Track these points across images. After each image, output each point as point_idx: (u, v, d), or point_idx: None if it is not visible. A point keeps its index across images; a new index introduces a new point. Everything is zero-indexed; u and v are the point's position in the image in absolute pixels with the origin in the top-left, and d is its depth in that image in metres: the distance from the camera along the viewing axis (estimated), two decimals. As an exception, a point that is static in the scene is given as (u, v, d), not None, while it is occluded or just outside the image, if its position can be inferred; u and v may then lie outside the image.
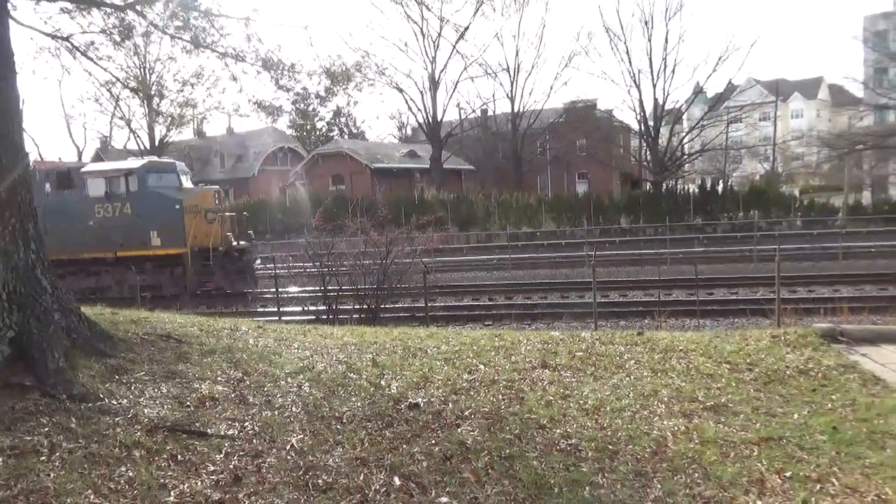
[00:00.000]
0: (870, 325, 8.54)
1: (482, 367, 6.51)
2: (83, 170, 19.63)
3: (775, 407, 5.32)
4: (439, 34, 37.73)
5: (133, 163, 20.17)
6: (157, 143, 40.56)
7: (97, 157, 44.95)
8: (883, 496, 3.83)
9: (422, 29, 39.52)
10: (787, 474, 4.11)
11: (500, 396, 5.58)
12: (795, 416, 5.11)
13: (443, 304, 17.75)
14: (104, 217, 18.77)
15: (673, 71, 40.06)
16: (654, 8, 39.22)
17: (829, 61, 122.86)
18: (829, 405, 5.34)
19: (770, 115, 54.55)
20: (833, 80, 59.26)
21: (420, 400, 5.39)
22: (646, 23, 39.06)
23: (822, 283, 17.75)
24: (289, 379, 5.82)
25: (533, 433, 4.79)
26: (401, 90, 43.62)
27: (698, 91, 42.89)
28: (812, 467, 4.20)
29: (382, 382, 5.88)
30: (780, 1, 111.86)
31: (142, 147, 41.79)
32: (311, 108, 39.04)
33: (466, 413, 5.15)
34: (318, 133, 51.24)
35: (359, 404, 5.27)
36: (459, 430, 4.82)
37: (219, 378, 5.66)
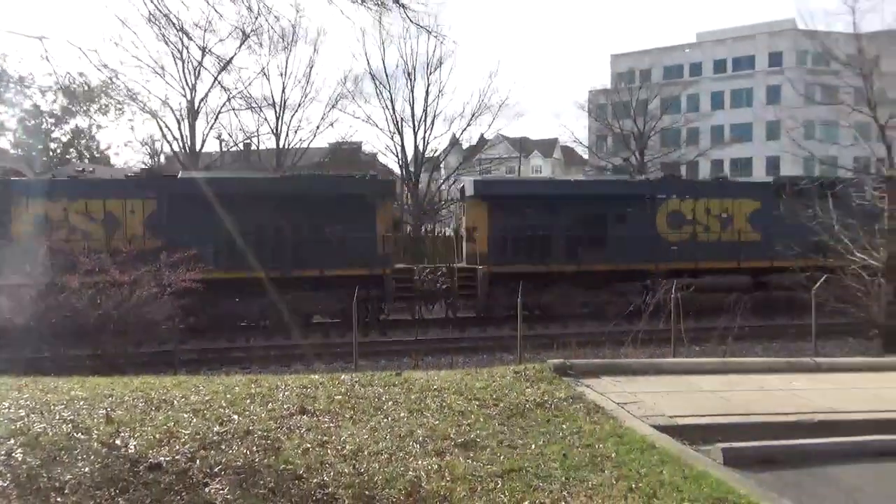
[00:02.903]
0: (593, 360, 9.76)
1: (236, 417, 6.13)
2: None
3: (517, 439, 5.78)
4: (200, 63, 35.85)
5: None
6: None
7: None
8: (602, 514, 4.33)
9: (181, 54, 37.24)
10: (526, 503, 4.46)
11: (255, 448, 5.30)
12: (533, 446, 5.60)
13: (195, 347, 16.53)
14: None
15: (432, 122, 42.65)
16: (416, 61, 41.41)
17: (564, 124, 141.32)
18: (561, 434, 5.95)
19: (515, 168, 60.72)
20: (565, 143, 68.02)
21: (162, 459, 4.90)
22: (409, 74, 41.28)
23: (556, 321, 19.95)
24: (-5, 445, 4.92)
25: (289, 485, 4.61)
26: (155, 116, 40.42)
27: (455, 142, 46.21)
28: (546, 494, 4.61)
29: (118, 442, 5.25)
30: (526, 67, 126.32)
31: None
32: (43, 127, 34.41)
33: (217, 470, 4.78)
34: (51, 155, 45.30)
35: (87, 470, 4.62)
36: (208, 489, 4.46)
37: None
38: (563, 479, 4.87)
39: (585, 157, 62.92)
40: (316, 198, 18.47)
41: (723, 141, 57.58)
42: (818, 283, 14.34)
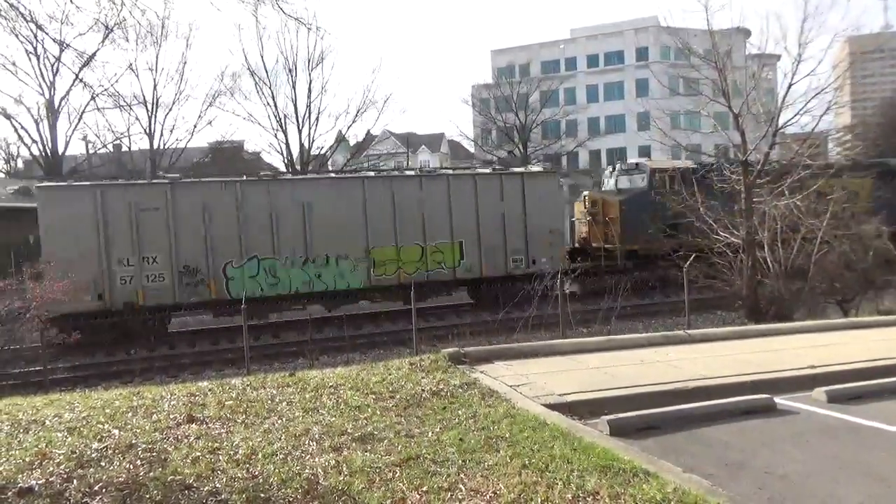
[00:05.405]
0: (486, 346, 9.99)
1: (117, 431, 5.78)
2: None
3: (414, 428, 5.83)
4: (58, 59, 33.13)
5: None
6: None
7: None
8: (498, 493, 4.46)
9: (35, 49, 34.25)
10: (424, 489, 4.51)
11: (139, 462, 5.02)
12: (430, 434, 5.67)
13: (69, 364, 15.40)
14: None
15: (317, 118, 41.82)
16: (297, 56, 40.41)
17: (449, 119, 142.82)
18: (457, 420, 6.06)
19: (403, 163, 60.84)
20: (452, 137, 68.95)
21: (34, 482, 4.54)
22: (290, 70, 40.28)
23: (450, 312, 20.27)
24: None
25: (178, 496, 4.41)
26: (8, 116, 36.98)
27: (341, 139, 45.63)
28: (444, 478, 4.69)
29: (-20, 469, 4.80)
30: (410, 63, 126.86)
31: None
32: None
33: (97, 488, 4.50)
34: None
35: (-56, 503, 4.20)
36: (87, 509, 4.18)
37: None
38: (460, 462, 4.97)
39: (472, 150, 64.01)
40: None
41: (599, 132, 60.52)
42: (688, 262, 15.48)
